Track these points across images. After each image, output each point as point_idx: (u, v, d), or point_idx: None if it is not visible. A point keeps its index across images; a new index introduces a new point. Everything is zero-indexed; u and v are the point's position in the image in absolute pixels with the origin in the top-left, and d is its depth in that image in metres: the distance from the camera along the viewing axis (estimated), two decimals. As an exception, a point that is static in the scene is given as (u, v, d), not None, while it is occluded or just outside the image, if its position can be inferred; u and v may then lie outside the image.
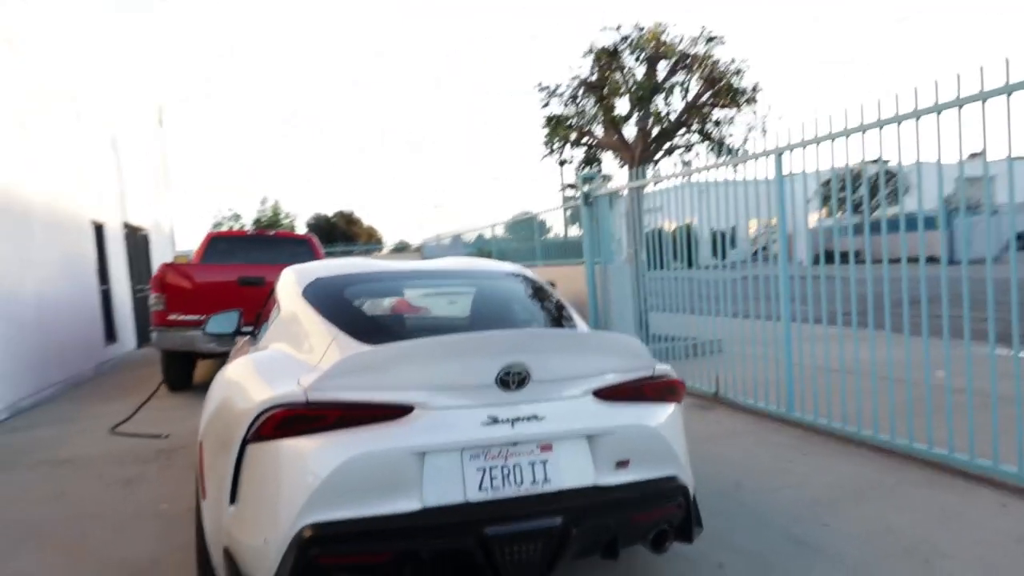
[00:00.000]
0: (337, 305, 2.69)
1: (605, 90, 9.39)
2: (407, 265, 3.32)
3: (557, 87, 10.21)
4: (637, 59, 9.22)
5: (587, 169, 10.12)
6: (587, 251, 8.39)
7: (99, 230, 11.21)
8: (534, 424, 2.18)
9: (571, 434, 2.22)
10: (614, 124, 9.53)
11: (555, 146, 10.31)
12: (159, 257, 14.30)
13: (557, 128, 10.16)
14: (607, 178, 9.56)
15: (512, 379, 2.14)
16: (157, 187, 15.99)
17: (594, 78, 9.55)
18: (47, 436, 6.10)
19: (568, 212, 10.80)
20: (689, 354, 7.87)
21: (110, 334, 10.89)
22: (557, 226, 9.75)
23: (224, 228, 30.92)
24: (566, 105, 10.27)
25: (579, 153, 10.39)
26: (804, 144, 4.78)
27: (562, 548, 2.11)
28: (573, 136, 10.25)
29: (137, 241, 13.45)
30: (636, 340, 2.39)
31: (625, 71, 9.36)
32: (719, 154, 9.17)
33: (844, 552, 3.00)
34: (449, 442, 2.09)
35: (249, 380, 2.32)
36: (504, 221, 14.75)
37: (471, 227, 18.92)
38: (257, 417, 2.07)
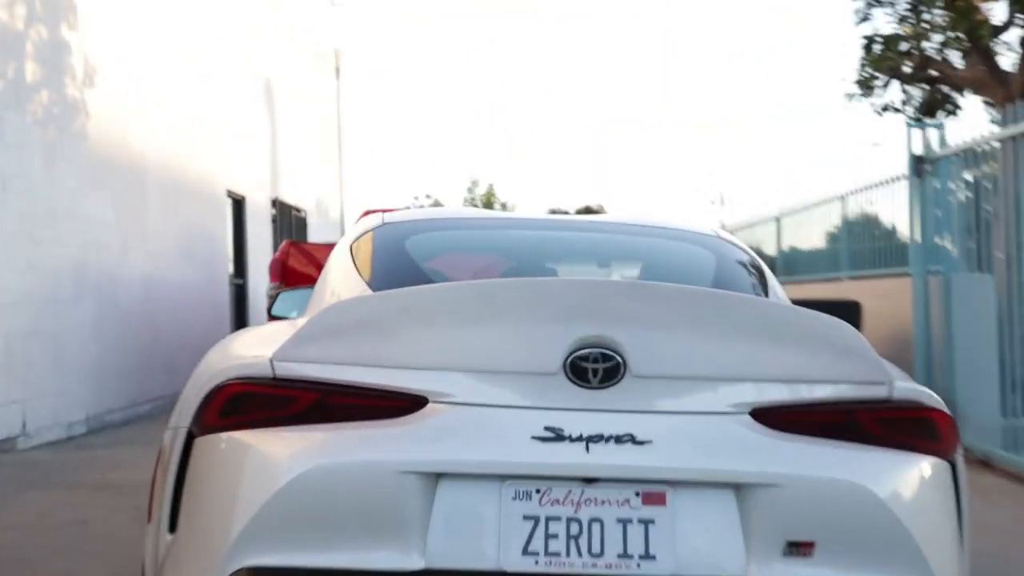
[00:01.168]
0: (388, 259, 2.76)
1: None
2: (541, 218, 3.34)
3: (883, -10, 8.96)
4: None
5: (925, 119, 8.72)
6: (915, 254, 7.56)
7: (238, 205, 11.91)
8: (631, 451, 1.93)
9: (704, 478, 1.97)
10: (977, 42, 8.06)
11: (875, 82, 9.03)
12: (319, 247, 15.03)
13: (883, 52, 8.88)
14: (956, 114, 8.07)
15: (592, 367, 1.94)
16: (326, 158, 16.95)
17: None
18: (107, 457, 6.71)
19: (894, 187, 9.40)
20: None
21: (241, 340, 11.45)
22: (889, 216, 8.67)
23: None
24: (898, 18, 8.98)
25: (915, 93, 9.01)
26: None
27: None
28: (908, 66, 8.90)
29: (291, 224, 14.23)
30: (857, 334, 2.10)
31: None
32: None
33: None
34: (480, 462, 1.92)
35: (222, 350, 2.36)
36: (785, 211, 13.60)
37: (744, 221, 17.99)
38: (206, 397, 2.03)
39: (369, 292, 2.45)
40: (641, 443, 1.93)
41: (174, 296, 9.63)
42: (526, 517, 1.92)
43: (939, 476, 2.12)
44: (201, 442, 2.03)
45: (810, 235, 13.17)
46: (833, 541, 1.97)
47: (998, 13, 8.38)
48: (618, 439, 1.93)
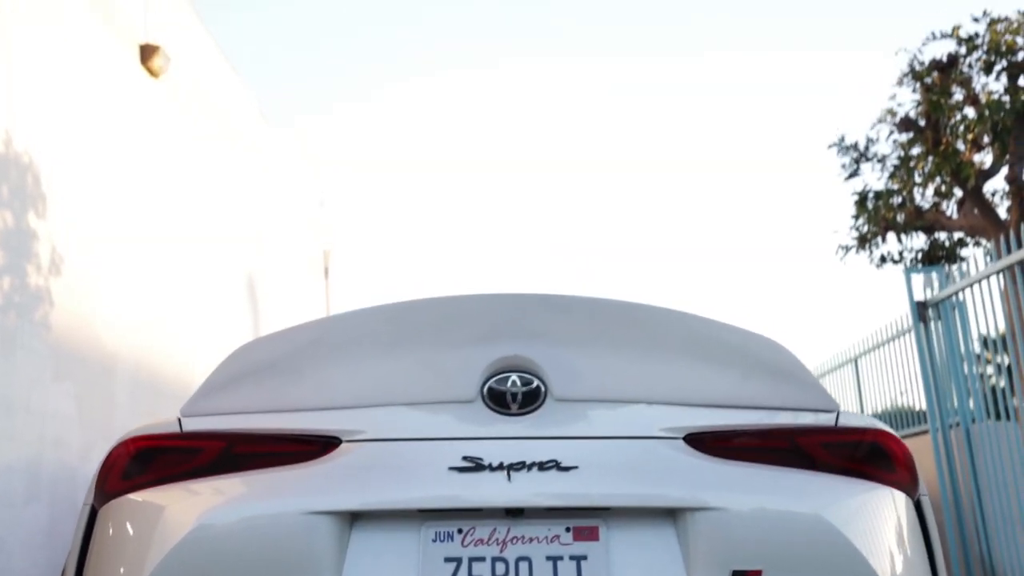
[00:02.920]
0: None
1: (941, 127, 7.98)
2: None
3: (868, 145, 9.03)
4: (988, 70, 7.81)
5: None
6: (929, 406, 6.96)
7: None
8: (556, 479, 1.85)
9: (636, 503, 1.85)
10: (965, 185, 8.00)
11: (870, 235, 8.93)
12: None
13: (875, 207, 8.84)
14: (956, 262, 7.90)
15: (511, 391, 1.91)
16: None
17: (919, 110, 8.23)
18: None
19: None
20: None
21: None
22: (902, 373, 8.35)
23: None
24: (887, 172, 9.00)
25: (914, 242, 8.90)
26: None
27: None
28: (901, 217, 8.84)
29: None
30: (796, 358, 2.06)
31: (973, 88, 7.93)
32: None
33: None
34: (394, 503, 1.85)
35: None
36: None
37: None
38: (106, 461, 2.01)
39: None
40: (567, 469, 1.87)
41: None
42: (448, 559, 1.85)
43: (900, 508, 2.02)
44: (103, 512, 1.97)
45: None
46: (782, 569, 1.86)
47: (986, 160, 8.39)
48: (541, 466, 1.86)
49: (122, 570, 1.86)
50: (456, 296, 2.04)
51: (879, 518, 1.96)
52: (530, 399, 1.91)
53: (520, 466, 1.86)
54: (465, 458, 1.87)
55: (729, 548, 1.85)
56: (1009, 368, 6.25)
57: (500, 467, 1.86)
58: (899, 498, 2.03)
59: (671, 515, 1.88)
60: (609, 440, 1.92)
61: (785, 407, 2.01)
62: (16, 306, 7.34)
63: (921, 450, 7.70)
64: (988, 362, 6.82)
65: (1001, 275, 5.91)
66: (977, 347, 6.80)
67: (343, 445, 1.92)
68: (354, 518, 1.86)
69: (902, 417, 9.10)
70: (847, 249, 9.05)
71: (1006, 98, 7.66)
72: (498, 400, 1.92)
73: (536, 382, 1.91)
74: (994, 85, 8.05)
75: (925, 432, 7.56)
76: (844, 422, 2.04)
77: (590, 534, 1.86)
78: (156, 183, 10.16)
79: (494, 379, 1.92)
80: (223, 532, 1.83)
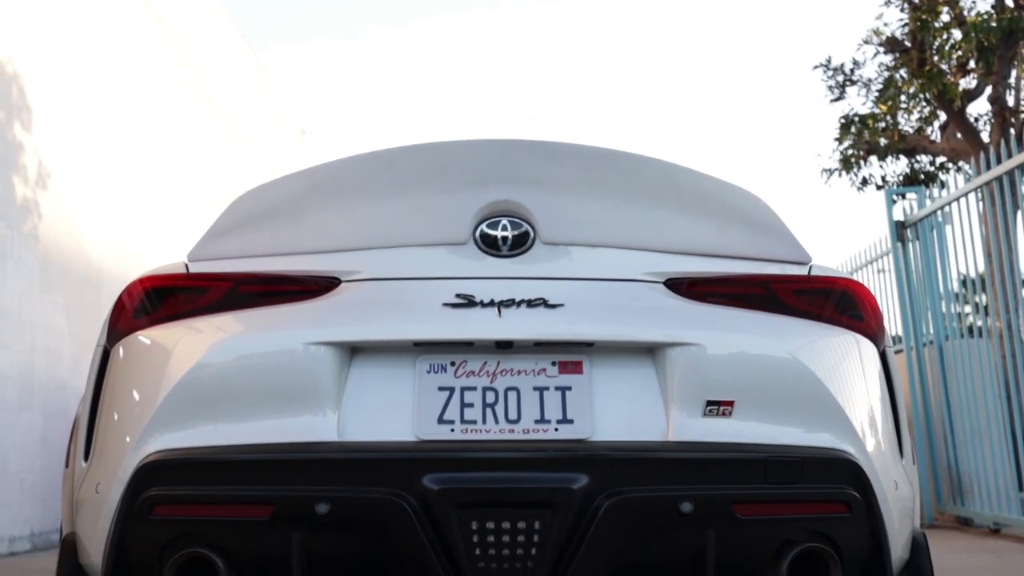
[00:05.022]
0: None
1: (927, 47, 8.15)
2: None
3: (854, 69, 9.19)
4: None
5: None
6: (904, 324, 7.21)
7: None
8: (544, 315, 1.96)
9: (620, 342, 1.99)
10: (950, 107, 8.19)
11: (854, 158, 9.15)
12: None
13: (861, 132, 9.03)
14: (938, 183, 8.15)
15: (501, 235, 2.02)
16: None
17: (905, 30, 8.39)
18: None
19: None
20: None
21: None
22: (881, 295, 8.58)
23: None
24: (872, 96, 9.18)
25: (896, 166, 9.12)
26: None
27: (579, 540, 1.80)
28: (884, 141, 9.04)
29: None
30: (773, 211, 2.18)
31: (960, 7, 8.09)
32: None
33: None
34: (390, 334, 1.96)
35: None
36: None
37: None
38: (118, 301, 2.08)
39: None
40: (554, 307, 1.97)
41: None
42: (441, 388, 1.96)
43: (866, 354, 2.14)
44: (115, 350, 2.06)
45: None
46: (752, 399, 1.99)
47: (971, 83, 8.57)
48: (530, 303, 1.97)
49: (135, 400, 1.98)
50: (449, 142, 2.11)
51: (846, 361, 2.10)
52: (519, 242, 2.01)
53: (510, 303, 1.97)
54: (458, 295, 1.97)
55: (704, 381, 1.97)
56: (984, 284, 6.50)
57: (491, 304, 1.96)
58: (866, 345, 2.15)
59: (650, 351, 2.00)
60: (594, 282, 2.03)
61: (761, 258, 2.12)
62: (4, 217, 7.48)
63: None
64: (963, 282, 7.08)
65: (979, 191, 6.10)
66: (953, 270, 7.05)
67: (342, 284, 2.01)
68: (353, 352, 1.96)
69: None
70: (830, 172, 9.25)
71: (993, 17, 7.80)
72: (489, 243, 2.01)
73: (525, 226, 2.01)
74: (982, 5, 8.21)
75: (899, 351, 7.85)
76: (816, 273, 2.16)
77: (574, 368, 1.99)
78: (141, 100, 10.22)
79: (486, 223, 2.01)
80: (230, 362, 1.93)
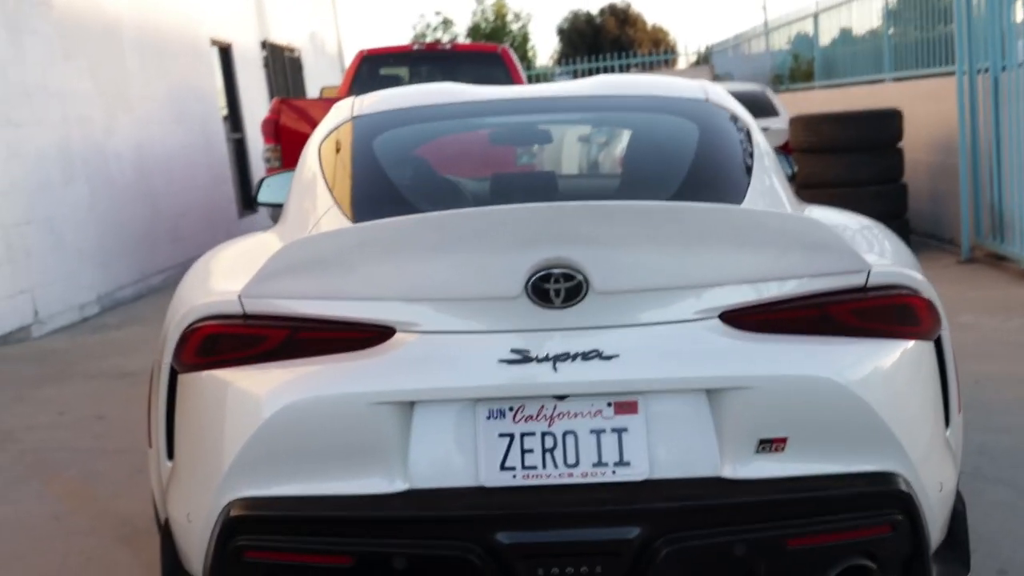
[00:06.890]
0: (355, 161, 2.82)
1: None
2: (512, 93, 3.38)
3: None
4: None
5: None
6: (960, 48, 7.05)
7: (225, 53, 11.62)
8: (599, 367, 2.02)
9: (674, 387, 2.07)
10: None
11: None
12: (318, 88, 14.71)
13: None
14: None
15: (554, 287, 2.01)
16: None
17: None
18: (124, 339, 6.95)
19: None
20: None
21: (247, 199, 11.47)
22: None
23: (428, 40, 32.43)
24: None
25: None
26: None
27: None
28: None
29: (285, 66, 13.92)
30: (828, 227, 2.16)
31: None
32: None
33: None
34: (453, 387, 2.05)
35: (198, 275, 2.56)
36: (823, 5, 13.02)
37: (782, 18, 17.34)
38: (182, 336, 2.16)
39: (329, 199, 2.61)
40: (609, 358, 2.03)
41: (169, 162, 9.57)
42: (501, 435, 2.06)
43: (919, 358, 2.18)
44: (184, 379, 2.18)
45: (851, 31, 12.61)
46: (805, 435, 2.08)
47: None
48: (585, 356, 2.03)
49: (211, 443, 2.13)
50: (500, 208, 2.11)
51: (900, 374, 2.15)
52: (572, 293, 2.02)
53: (564, 356, 2.02)
54: (513, 350, 2.03)
55: (757, 421, 2.06)
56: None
57: (546, 358, 2.02)
58: (923, 347, 2.18)
59: (706, 391, 2.07)
60: (647, 327, 2.07)
61: (817, 273, 2.11)
62: (12, -13, 7.24)
63: (943, 94, 7.83)
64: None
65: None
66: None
67: (397, 335, 2.06)
68: (414, 402, 2.06)
69: (931, 49, 8.98)
70: None
71: None
72: (542, 295, 2.01)
73: (579, 277, 2.01)
74: None
75: (951, 74, 7.64)
76: (875, 281, 2.13)
77: (630, 408, 2.07)
78: None
79: (538, 275, 2.01)
80: (300, 416, 2.04)
